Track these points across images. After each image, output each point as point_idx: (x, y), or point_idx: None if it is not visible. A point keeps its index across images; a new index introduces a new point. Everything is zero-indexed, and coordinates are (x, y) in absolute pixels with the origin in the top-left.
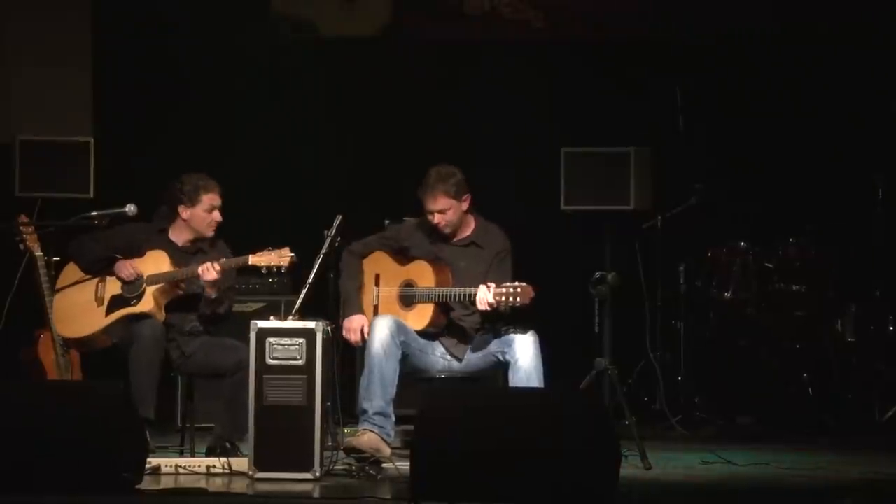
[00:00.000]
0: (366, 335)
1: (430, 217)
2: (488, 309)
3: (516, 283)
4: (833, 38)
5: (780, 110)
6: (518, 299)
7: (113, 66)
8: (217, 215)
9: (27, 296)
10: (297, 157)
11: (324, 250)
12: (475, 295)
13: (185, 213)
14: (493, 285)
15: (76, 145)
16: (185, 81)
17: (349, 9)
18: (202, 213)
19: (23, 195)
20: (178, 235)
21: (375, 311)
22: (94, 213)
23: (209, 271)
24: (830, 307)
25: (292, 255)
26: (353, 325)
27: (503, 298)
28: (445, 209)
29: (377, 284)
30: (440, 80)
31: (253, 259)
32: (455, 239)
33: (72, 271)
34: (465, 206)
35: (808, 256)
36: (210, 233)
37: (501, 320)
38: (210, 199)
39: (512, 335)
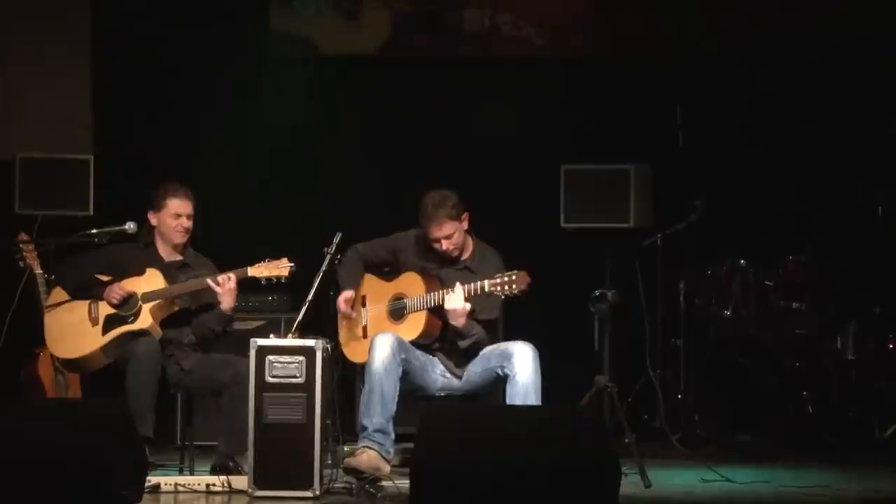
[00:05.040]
0: (342, 306)
1: (436, 245)
2: (455, 323)
3: (512, 272)
4: (831, 56)
5: (780, 128)
6: (515, 287)
7: (113, 83)
8: (185, 222)
9: (27, 313)
10: (297, 174)
11: (323, 268)
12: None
13: (153, 218)
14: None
15: (76, 163)
16: (186, 99)
17: (349, 27)
18: (167, 219)
19: (23, 213)
20: (162, 248)
21: (364, 332)
22: (93, 231)
23: (227, 281)
24: (830, 325)
25: (291, 264)
26: (342, 297)
27: (498, 288)
28: (451, 234)
29: (364, 305)
30: (440, 97)
31: (252, 271)
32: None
33: (61, 291)
34: (465, 225)
35: (808, 274)
36: (178, 239)
37: (464, 337)
38: (176, 205)
39: (512, 349)
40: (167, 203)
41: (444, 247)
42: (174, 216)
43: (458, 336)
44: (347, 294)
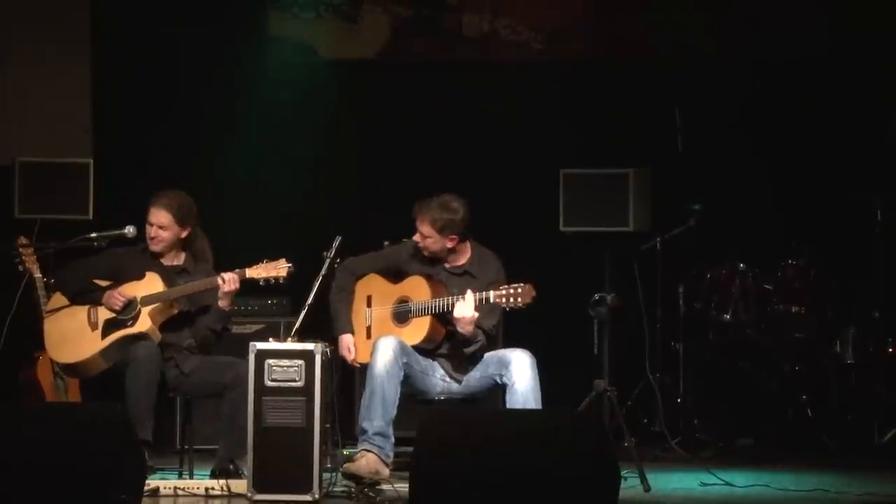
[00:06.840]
0: (352, 354)
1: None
2: (463, 330)
3: (517, 284)
4: (830, 58)
5: (780, 131)
6: (520, 300)
7: (112, 87)
8: (152, 231)
9: (26, 317)
10: (295, 178)
11: (323, 272)
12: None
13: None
14: (476, 294)
15: (75, 167)
16: (185, 103)
17: (348, 31)
18: (147, 227)
19: (23, 216)
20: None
21: (368, 333)
22: (93, 235)
23: (232, 282)
24: (829, 329)
25: (289, 265)
26: (342, 347)
27: (503, 300)
28: (426, 236)
29: (369, 306)
30: (439, 101)
31: (250, 272)
32: (450, 266)
33: (61, 296)
34: (448, 244)
35: (808, 278)
36: (151, 247)
37: (470, 344)
38: (149, 213)
39: (510, 357)
40: (147, 210)
41: (417, 238)
42: (148, 223)
43: (464, 343)
44: (348, 340)
